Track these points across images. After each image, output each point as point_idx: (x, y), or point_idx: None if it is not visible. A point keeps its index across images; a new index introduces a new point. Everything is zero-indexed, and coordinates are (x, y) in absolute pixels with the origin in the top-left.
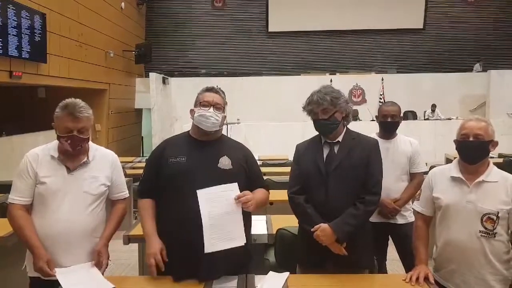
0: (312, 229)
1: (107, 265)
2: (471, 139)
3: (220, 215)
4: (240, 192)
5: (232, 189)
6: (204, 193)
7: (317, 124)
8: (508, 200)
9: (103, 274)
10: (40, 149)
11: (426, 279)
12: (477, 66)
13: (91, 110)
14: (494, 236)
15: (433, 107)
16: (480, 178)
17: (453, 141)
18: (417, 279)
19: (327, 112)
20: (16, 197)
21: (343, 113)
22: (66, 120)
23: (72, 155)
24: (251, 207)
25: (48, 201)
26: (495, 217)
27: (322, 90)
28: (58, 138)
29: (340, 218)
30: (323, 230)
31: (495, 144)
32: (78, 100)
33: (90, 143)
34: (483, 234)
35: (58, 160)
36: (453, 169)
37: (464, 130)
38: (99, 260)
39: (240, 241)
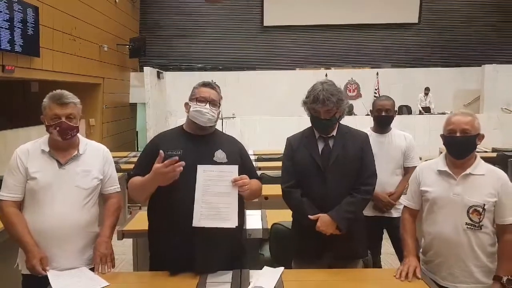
0: (312, 217)
1: (114, 265)
2: (458, 134)
3: (214, 193)
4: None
5: (231, 171)
6: (204, 169)
7: (318, 123)
8: (494, 193)
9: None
10: (30, 144)
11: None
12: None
13: (79, 101)
14: (480, 229)
15: (427, 90)
16: (467, 171)
17: (440, 135)
18: (407, 274)
19: (330, 113)
20: (6, 194)
21: (341, 112)
22: (54, 107)
23: (63, 148)
24: (246, 192)
25: (40, 196)
26: (481, 209)
27: (327, 89)
28: (48, 128)
29: (339, 206)
30: (322, 220)
31: (482, 137)
32: (65, 91)
33: (81, 137)
34: (469, 227)
35: (49, 154)
36: (440, 163)
37: (451, 125)
38: (104, 262)
39: (232, 223)
